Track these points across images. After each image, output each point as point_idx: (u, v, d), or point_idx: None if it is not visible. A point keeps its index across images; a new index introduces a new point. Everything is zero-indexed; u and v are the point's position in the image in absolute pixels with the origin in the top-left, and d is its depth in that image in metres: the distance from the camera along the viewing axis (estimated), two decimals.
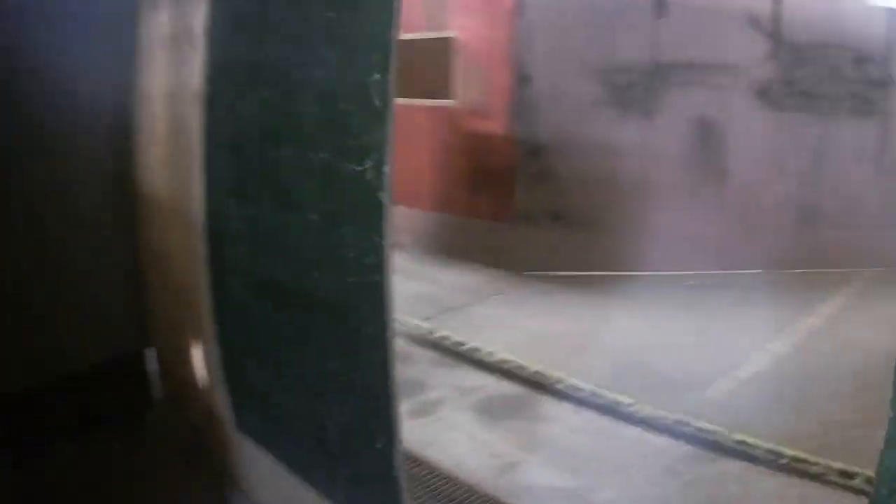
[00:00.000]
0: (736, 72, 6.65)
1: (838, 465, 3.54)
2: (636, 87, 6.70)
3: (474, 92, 7.04)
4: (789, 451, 3.67)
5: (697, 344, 5.29)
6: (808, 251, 6.76)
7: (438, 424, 4.16)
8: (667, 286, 6.53)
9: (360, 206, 2.11)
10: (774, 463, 3.64)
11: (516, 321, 5.79)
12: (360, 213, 2.11)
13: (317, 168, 2.13)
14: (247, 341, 2.23)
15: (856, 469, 3.49)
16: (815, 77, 6.76)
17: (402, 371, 2.55)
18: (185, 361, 2.40)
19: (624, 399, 4.31)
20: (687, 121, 6.75)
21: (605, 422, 4.17)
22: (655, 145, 6.79)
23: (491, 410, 4.34)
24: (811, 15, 6.71)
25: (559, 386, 4.52)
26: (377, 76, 2.05)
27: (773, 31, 6.65)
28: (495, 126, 6.97)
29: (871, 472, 3.39)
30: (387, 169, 2.07)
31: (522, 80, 6.71)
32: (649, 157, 6.81)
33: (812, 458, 3.61)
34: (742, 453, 3.74)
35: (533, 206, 6.94)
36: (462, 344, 5.09)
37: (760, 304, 6.05)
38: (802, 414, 4.20)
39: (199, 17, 1.83)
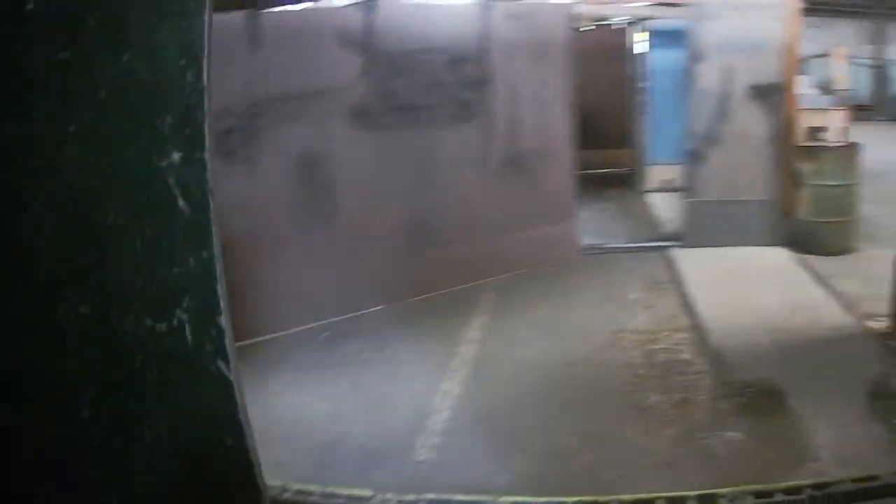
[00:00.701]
0: (332, 96, 6.14)
1: (627, 496, 3.33)
2: (237, 132, 5.93)
3: None
4: (570, 499, 3.36)
5: (370, 402, 4.78)
6: (431, 273, 6.53)
7: None
8: (301, 344, 5.90)
9: (181, 395, 1.19)
10: None
11: None
12: (183, 408, 1.19)
13: (73, 332, 1.14)
14: None
15: (653, 495, 3.31)
16: (410, 88, 6.52)
17: None
18: None
19: (363, 492, 3.62)
20: (290, 159, 6.16)
21: None
22: (262, 193, 6.09)
23: None
24: (404, 22, 6.44)
25: (285, 495, 3.66)
26: (175, 156, 1.15)
27: (367, 45, 6.28)
28: None
29: (666, 494, 3.25)
30: (223, 321, 1.19)
31: None
32: (258, 207, 6.09)
33: (601, 499, 3.34)
34: None
35: None
36: None
37: (403, 341, 5.75)
38: (529, 452, 3.94)
39: None
